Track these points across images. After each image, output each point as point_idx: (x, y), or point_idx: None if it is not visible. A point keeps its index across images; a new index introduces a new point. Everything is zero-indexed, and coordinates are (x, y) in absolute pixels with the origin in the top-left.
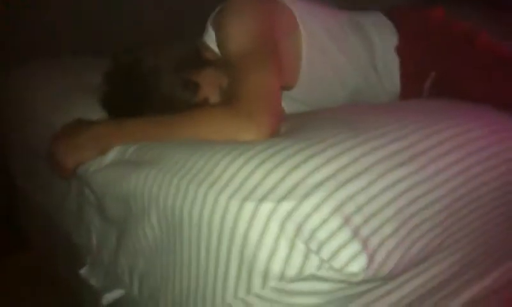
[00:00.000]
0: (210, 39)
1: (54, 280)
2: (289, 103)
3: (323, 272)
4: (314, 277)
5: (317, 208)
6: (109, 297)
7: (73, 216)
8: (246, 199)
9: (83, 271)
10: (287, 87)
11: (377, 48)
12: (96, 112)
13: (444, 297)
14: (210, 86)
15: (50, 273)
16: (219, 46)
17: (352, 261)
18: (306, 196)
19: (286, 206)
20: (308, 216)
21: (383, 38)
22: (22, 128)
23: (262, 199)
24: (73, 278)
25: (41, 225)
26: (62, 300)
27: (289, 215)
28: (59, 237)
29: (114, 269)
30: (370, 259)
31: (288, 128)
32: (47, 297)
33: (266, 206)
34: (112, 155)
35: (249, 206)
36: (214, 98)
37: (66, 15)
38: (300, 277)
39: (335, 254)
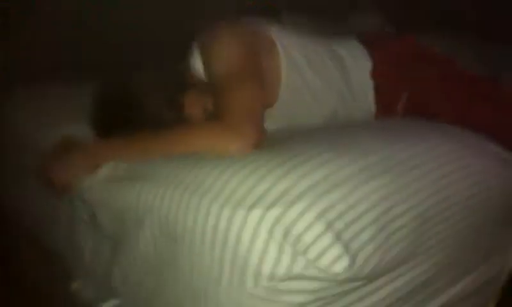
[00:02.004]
0: (196, 61)
1: (42, 296)
2: (268, 122)
3: (310, 272)
4: (302, 277)
5: (302, 214)
6: None
7: (64, 232)
8: (236, 207)
9: (75, 285)
10: (267, 105)
11: (351, 72)
12: (86, 137)
13: (420, 301)
14: (194, 106)
15: (37, 290)
16: (204, 68)
17: (336, 262)
18: (292, 203)
19: (274, 212)
20: (294, 222)
21: (357, 63)
22: (11, 152)
23: (252, 206)
24: (62, 293)
25: (28, 243)
26: None
27: (277, 220)
28: (48, 255)
29: (108, 281)
30: (352, 260)
31: (271, 142)
32: None
33: (256, 213)
34: (104, 171)
35: (240, 214)
36: (199, 117)
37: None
38: (289, 277)
39: (320, 255)
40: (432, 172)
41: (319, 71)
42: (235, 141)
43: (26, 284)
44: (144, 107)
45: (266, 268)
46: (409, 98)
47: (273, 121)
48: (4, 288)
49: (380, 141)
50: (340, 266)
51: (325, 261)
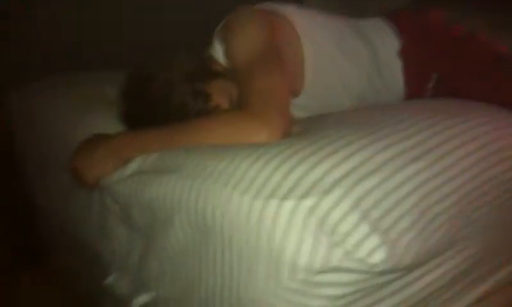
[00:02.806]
0: (217, 52)
1: (75, 294)
2: (295, 112)
3: (347, 263)
4: (339, 269)
5: (337, 203)
6: (137, 303)
7: (96, 228)
8: (269, 198)
9: (108, 281)
10: (292, 95)
11: (379, 52)
12: (114, 126)
13: (462, 289)
14: (220, 95)
15: (69, 288)
16: (227, 57)
17: (374, 252)
18: (326, 192)
19: (308, 202)
20: (329, 211)
21: (384, 42)
22: (39, 145)
23: (284, 197)
24: (94, 290)
25: (61, 241)
26: None
27: (311, 211)
28: (80, 251)
29: (141, 275)
30: (390, 250)
31: (300, 130)
32: None
33: (289, 204)
34: (133, 165)
35: (272, 205)
36: (225, 107)
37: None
38: (326, 269)
39: (357, 246)
40: (472, 154)
41: (346, 52)
42: (262, 130)
43: (61, 279)
44: (170, 99)
45: (302, 261)
46: (439, 78)
47: (300, 109)
48: (39, 283)
49: (416, 123)
50: (378, 257)
51: (362, 252)
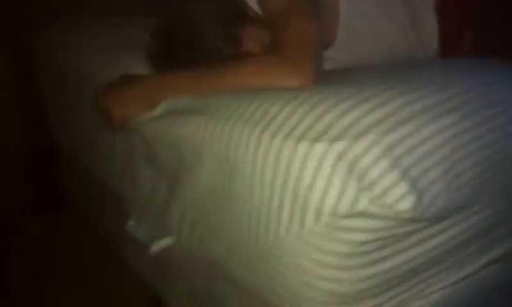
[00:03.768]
0: None
1: (96, 238)
2: (326, 64)
3: (374, 209)
4: (365, 214)
5: (368, 149)
6: (157, 246)
7: (120, 169)
8: (300, 139)
9: (129, 224)
10: (324, 46)
11: (415, 4)
12: (143, 68)
13: (483, 247)
14: (252, 41)
15: (91, 230)
16: (259, 2)
17: (402, 200)
18: (358, 137)
19: (338, 146)
20: (359, 156)
21: None
22: (65, 87)
23: (316, 139)
24: (115, 233)
25: (84, 183)
26: (104, 257)
27: (342, 155)
28: (103, 193)
29: (163, 219)
30: (419, 199)
31: (332, 78)
32: (88, 254)
33: (320, 147)
34: (162, 106)
35: (303, 146)
36: (258, 53)
37: None
38: (352, 213)
39: (385, 191)
40: (502, 114)
41: (381, 3)
42: (293, 75)
43: (83, 223)
44: (201, 43)
45: (328, 204)
46: (474, 37)
47: (330, 62)
48: (62, 227)
49: (450, 77)
50: (406, 204)
51: (390, 198)
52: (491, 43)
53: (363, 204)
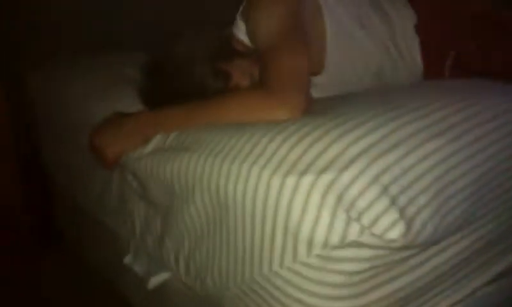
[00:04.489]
0: (240, 31)
1: (94, 273)
2: (316, 91)
3: (364, 239)
4: (356, 244)
5: (355, 179)
6: (154, 281)
7: (115, 206)
8: (287, 173)
9: (127, 259)
10: (313, 73)
11: (396, 26)
12: (135, 105)
13: (483, 263)
14: (241, 75)
15: (89, 266)
16: (249, 35)
17: (391, 228)
18: (345, 168)
19: (326, 178)
20: (347, 187)
21: (401, 15)
22: (59, 125)
23: (303, 172)
24: (111, 269)
25: (79, 219)
26: (102, 291)
27: (330, 186)
28: (98, 230)
29: (159, 253)
30: (408, 226)
31: (319, 108)
32: (86, 290)
33: (307, 179)
34: (153, 143)
35: (291, 180)
36: (245, 86)
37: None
38: (343, 244)
39: (374, 221)
40: (491, 132)
41: (366, 26)
42: (282, 108)
43: (78, 258)
44: (191, 77)
45: (319, 236)
46: (457, 57)
47: (319, 89)
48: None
49: (435, 101)
50: (395, 233)
51: (380, 227)
52: (473, 62)
53: (353, 234)
